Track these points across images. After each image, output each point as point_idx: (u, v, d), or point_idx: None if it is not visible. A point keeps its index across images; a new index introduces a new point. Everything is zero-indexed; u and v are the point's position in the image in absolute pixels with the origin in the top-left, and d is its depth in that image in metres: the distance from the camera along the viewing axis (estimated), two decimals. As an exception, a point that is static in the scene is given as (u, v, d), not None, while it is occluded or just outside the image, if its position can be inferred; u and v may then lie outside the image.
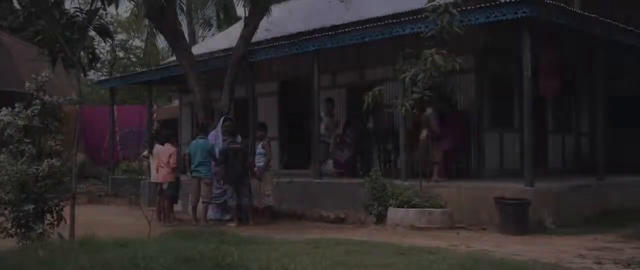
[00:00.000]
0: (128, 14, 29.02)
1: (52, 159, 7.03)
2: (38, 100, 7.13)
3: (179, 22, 15.93)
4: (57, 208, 7.10)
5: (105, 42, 22.61)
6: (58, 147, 7.33)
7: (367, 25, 11.70)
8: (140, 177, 14.73)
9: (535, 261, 6.44)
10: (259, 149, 11.37)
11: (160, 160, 11.23)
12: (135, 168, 8.08)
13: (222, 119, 11.72)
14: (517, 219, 9.14)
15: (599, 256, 7.05)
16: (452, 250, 7.10)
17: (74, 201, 6.71)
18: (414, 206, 9.61)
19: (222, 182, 10.90)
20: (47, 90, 7.42)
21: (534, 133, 10.11)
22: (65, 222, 6.98)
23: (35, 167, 6.93)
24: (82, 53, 26.98)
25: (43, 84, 7.20)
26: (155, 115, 22.84)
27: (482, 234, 9.20)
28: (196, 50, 18.11)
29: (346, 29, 12.05)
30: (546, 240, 8.55)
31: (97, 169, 19.00)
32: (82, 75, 20.07)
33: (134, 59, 31.79)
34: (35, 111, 7.08)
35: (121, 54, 31.68)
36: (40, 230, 6.73)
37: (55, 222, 7.16)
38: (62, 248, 5.98)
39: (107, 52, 30.64)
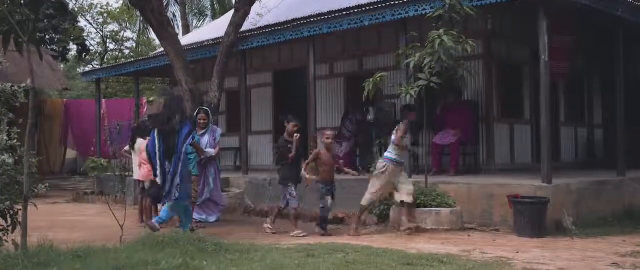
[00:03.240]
0: (119, 4, 28.10)
1: (3, 155, 6.09)
2: (-13, 89, 6.19)
3: (164, 6, 14.95)
4: (10, 212, 6.16)
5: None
6: (14, 141, 6.38)
7: (367, 8, 10.75)
8: (127, 173, 13.88)
9: (564, 272, 5.55)
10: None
11: (141, 156, 10.26)
12: (103, 164, 7.16)
13: (196, 111, 10.76)
14: (534, 219, 8.21)
15: (636, 263, 6.13)
16: (466, 259, 6.18)
17: (26, 205, 5.77)
18: (419, 205, 8.68)
19: (288, 182, 9.15)
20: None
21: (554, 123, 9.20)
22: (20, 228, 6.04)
23: (-17, 165, 6.00)
24: (72, 44, 25.64)
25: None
26: (145, 109, 21.95)
27: (496, 236, 8.29)
28: (186, 40, 17.25)
29: (344, 12, 11.10)
30: (569, 243, 7.63)
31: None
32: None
33: (126, 51, 30.81)
34: (-15, 101, 6.15)
35: (112, 46, 30.70)
36: (-11, 238, 5.80)
37: (9, 228, 6.22)
38: (7, 260, 5.05)
39: (98, 43, 29.70)
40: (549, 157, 8.84)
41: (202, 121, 10.36)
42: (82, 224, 10.72)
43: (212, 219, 10.25)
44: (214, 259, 5.22)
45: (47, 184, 6.52)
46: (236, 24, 12.40)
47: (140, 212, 10.48)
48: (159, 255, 4.89)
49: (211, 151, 10.17)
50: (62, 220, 11.37)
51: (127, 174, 13.88)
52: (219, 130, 10.68)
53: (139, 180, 10.53)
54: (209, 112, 10.55)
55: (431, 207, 8.65)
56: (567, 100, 13.86)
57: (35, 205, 6.17)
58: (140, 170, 10.43)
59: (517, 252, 6.81)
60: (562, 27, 10.62)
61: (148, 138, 10.34)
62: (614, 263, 6.17)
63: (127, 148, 11.16)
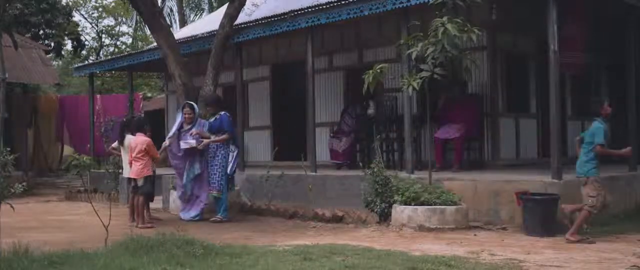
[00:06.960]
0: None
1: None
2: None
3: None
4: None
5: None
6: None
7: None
8: (119, 171, 13.46)
9: (583, 276, 5.12)
10: None
11: (131, 153, 9.80)
12: (85, 162, 6.77)
13: (182, 105, 10.33)
14: (544, 217, 7.78)
15: (657, 266, 5.70)
16: (474, 261, 5.75)
17: (-2, 206, 5.36)
18: (422, 203, 8.23)
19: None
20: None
21: (560, 117, 8.76)
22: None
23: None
24: (66, 39, 24.96)
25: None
26: (142, 105, 21.51)
27: (503, 235, 7.85)
28: (181, 34, 16.83)
29: (343, 2, 10.65)
30: (582, 243, 7.20)
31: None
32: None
33: (123, 47, 30.33)
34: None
35: (108, 41, 30.21)
36: (-40, 242, 5.38)
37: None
38: (-25, 267, 4.63)
39: (93, 38, 29.23)
40: (558, 152, 8.43)
41: (187, 116, 9.92)
42: (71, 224, 10.32)
43: (187, 215, 9.90)
44: (201, 264, 4.79)
45: (24, 183, 6.08)
46: (231, 15, 11.96)
47: (131, 211, 10.04)
48: (139, 261, 4.46)
49: (192, 142, 9.80)
50: (51, 220, 10.98)
51: (119, 171, 13.48)
52: (206, 124, 10.14)
53: (130, 178, 10.08)
54: (195, 107, 10.15)
55: (436, 204, 8.21)
56: (573, 93, 13.41)
57: (12, 206, 5.75)
58: (131, 168, 9.97)
59: (528, 254, 6.39)
60: (574, 15, 10.18)
61: (138, 134, 9.95)
62: (634, 265, 5.74)
63: (115, 145, 10.71)
